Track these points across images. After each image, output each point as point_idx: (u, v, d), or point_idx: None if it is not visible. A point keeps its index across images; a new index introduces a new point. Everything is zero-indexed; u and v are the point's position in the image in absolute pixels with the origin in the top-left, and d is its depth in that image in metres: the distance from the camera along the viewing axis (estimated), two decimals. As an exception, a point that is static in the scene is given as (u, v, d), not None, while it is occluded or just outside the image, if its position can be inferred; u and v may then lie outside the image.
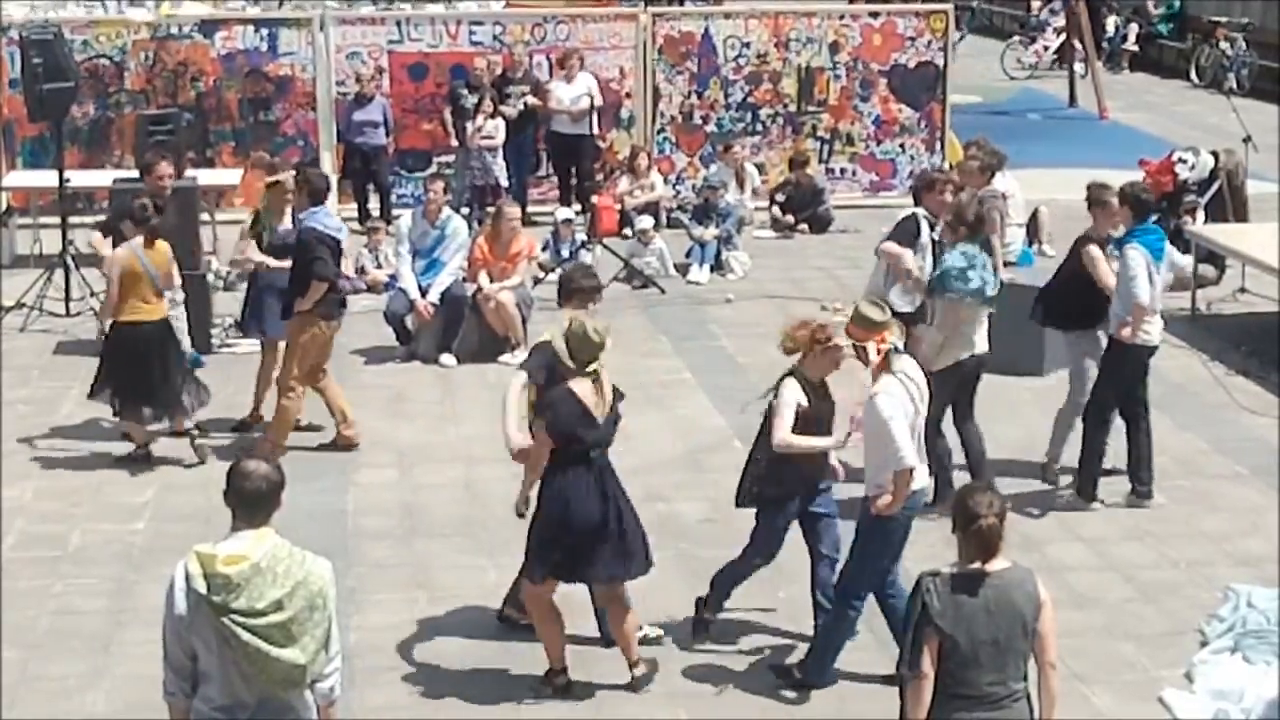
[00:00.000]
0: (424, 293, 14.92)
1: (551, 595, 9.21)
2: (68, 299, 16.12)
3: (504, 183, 19.45)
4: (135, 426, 12.59)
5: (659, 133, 20.90)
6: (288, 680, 6.49)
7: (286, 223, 13.17)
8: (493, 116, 19.36)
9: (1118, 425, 11.88)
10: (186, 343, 13.39)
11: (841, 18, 21.24)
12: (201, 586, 6.40)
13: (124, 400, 12.44)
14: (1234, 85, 28.34)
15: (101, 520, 11.66)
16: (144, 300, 12.33)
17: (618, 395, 9.11)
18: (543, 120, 20.20)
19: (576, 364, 8.95)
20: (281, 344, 12.92)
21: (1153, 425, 12.01)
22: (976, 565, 6.74)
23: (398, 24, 20.69)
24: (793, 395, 9.24)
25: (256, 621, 6.38)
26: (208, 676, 6.50)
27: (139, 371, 12.31)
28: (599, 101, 19.83)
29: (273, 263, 13.11)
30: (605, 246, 17.65)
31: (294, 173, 13.36)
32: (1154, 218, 12.03)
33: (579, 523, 8.90)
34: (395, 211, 18.61)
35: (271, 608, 6.40)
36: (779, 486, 9.47)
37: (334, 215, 12.97)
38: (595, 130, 19.98)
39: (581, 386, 8.92)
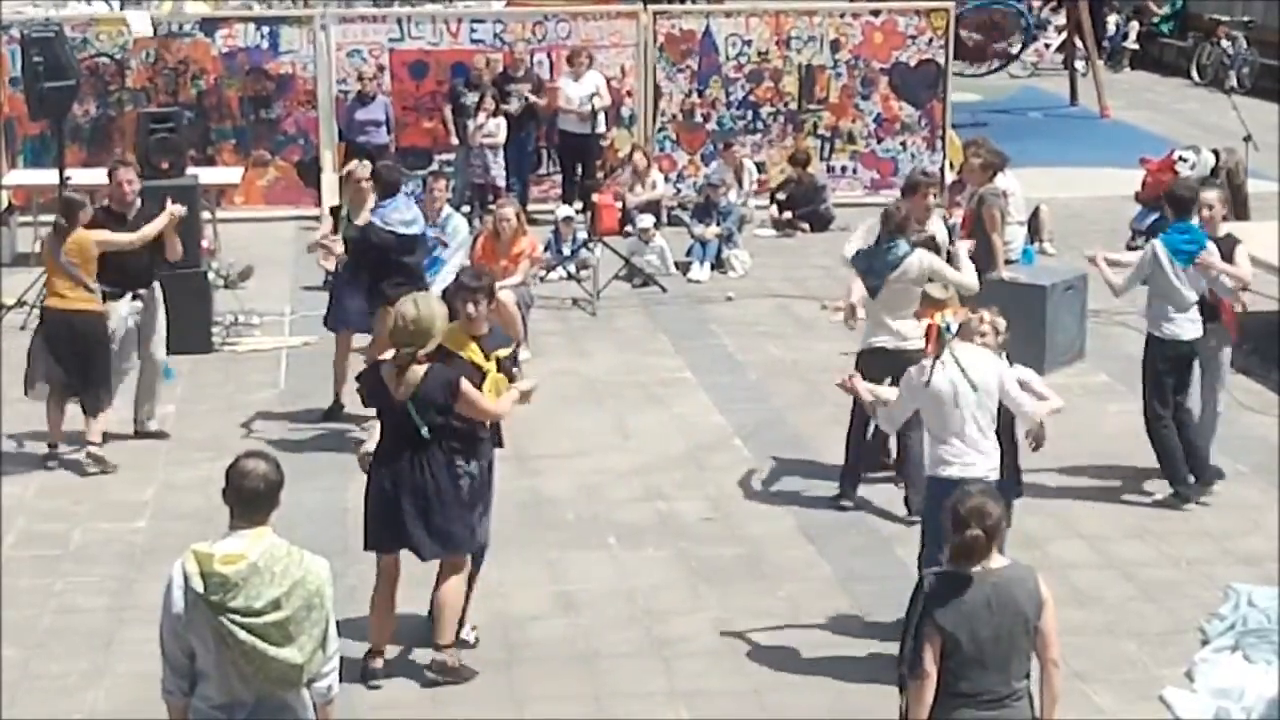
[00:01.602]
0: (425, 290, 14.90)
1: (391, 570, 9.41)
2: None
3: (502, 182, 19.45)
4: (54, 420, 12.64)
5: (660, 131, 20.90)
6: (285, 679, 6.49)
7: (366, 216, 13.15)
8: (494, 115, 19.37)
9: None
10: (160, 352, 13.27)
11: (842, 15, 21.23)
12: (199, 585, 6.40)
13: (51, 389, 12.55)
14: (1235, 84, 28.32)
15: (102, 519, 11.66)
16: (59, 293, 12.45)
17: (443, 382, 9.08)
18: (544, 119, 20.23)
19: (395, 346, 9.14)
20: (355, 337, 13.30)
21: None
22: (978, 566, 6.74)
23: (399, 22, 20.71)
24: None
25: (254, 620, 6.37)
26: (205, 675, 6.50)
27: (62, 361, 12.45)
28: (606, 101, 19.83)
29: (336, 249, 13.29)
30: (606, 245, 17.65)
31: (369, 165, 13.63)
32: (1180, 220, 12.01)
33: (375, 494, 9.24)
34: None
35: (269, 607, 6.40)
36: None
37: (405, 209, 13.01)
38: (603, 129, 19.99)
39: (388, 369, 9.13)
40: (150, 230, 12.70)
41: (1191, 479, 11.83)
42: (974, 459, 9.16)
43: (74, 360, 12.43)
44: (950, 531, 6.77)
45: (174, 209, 12.77)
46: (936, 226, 12.60)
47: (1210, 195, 12.10)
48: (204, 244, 16.75)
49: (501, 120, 19.43)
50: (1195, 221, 11.78)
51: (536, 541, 10.98)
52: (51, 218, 13.10)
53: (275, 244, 19.00)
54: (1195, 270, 11.60)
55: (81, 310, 12.42)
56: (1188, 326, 11.70)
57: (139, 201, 12.97)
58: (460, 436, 9.19)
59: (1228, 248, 11.85)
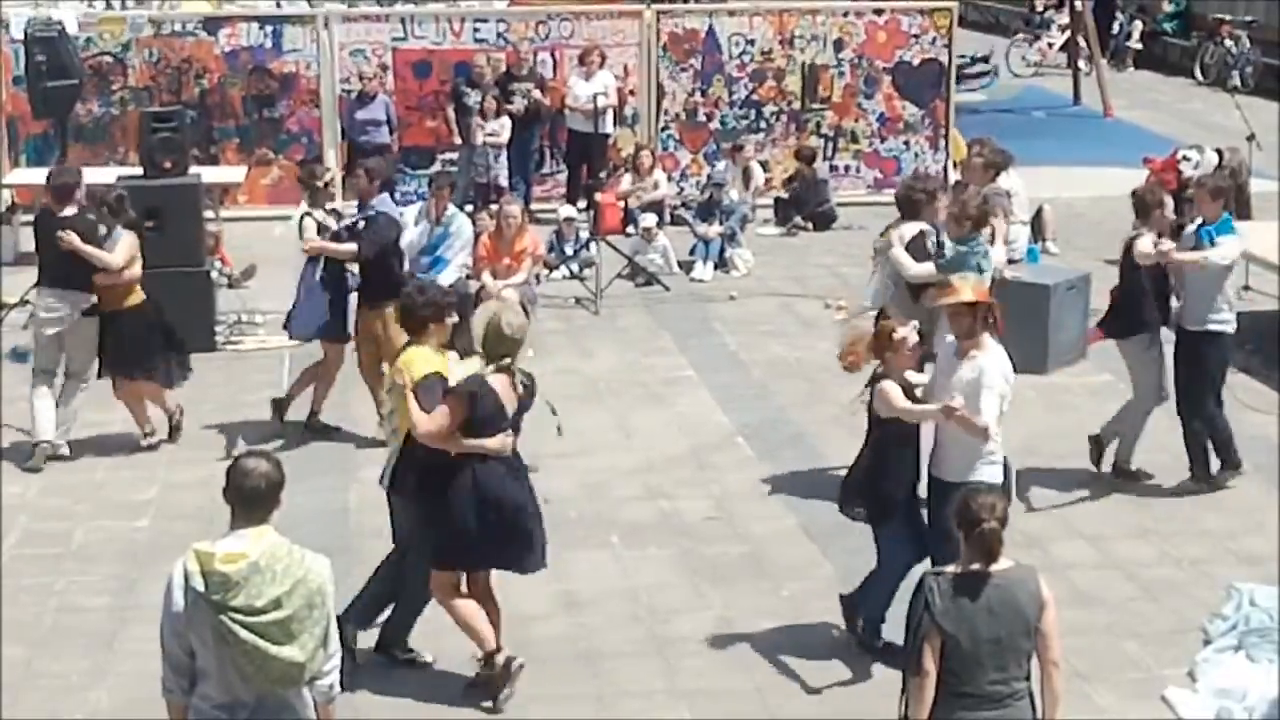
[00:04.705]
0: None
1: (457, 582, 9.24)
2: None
3: (505, 182, 19.45)
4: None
5: (663, 130, 20.90)
6: (286, 678, 6.49)
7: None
8: (498, 115, 19.38)
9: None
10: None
11: (846, 14, 21.21)
12: (200, 584, 6.40)
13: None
14: (1238, 83, 28.30)
15: (104, 517, 11.67)
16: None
17: (529, 389, 9.12)
18: (547, 117, 20.23)
19: (491, 359, 8.97)
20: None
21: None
22: (978, 566, 6.74)
23: (402, 21, 20.69)
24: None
25: (255, 619, 6.38)
26: (206, 674, 6.51)
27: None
28: (612, 100, 19.81)
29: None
30: (609, 244, 17.64)
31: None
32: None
33: (495, 509, 8.96)
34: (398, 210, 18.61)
35: (270, 606, 6.40)
36: None
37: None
38: (610, 129, 19.98)
39: (497, 381, 8.95)
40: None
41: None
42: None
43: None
44: (961, 532, 6.77)
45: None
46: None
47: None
48: (213, 245, 16.78)
49: (505, 120, 19.43)
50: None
51: (539, 541, 10.95)
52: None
53: (278, 243, 18.94)
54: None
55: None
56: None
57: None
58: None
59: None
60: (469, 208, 18.40)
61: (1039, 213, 18.49)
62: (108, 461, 12.68)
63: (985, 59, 29.33)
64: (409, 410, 8.99)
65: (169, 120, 15.89)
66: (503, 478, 8.98)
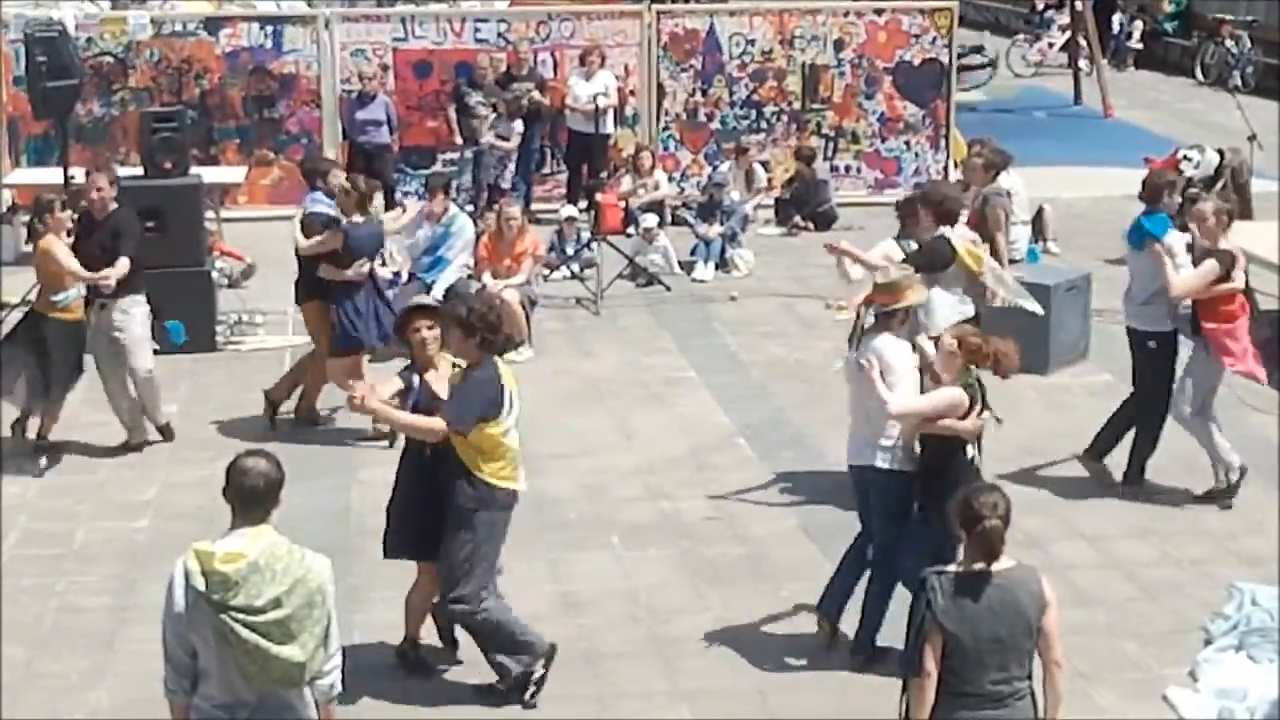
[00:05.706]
0: (429, 289, 14.92)
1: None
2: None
3: (505, 184, 19.44)
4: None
5: (663, 130, 20.90)
6: (286, 678, 6.48)
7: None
8: (512, 119, 19.39)
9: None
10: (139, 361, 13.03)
11: (846, 14, 21.22)
12: (200, 584, 6.40)
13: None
14: (1239, 83, 28.31)
15: (105, 518, 11.67)
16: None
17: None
18: (548, 117, 20.24)
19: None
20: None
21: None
22: (980, 565, 6.74)
23: (402, 21, 20.70)
24: None
25: (255, 619, 6.38)
26: (207, 674, 6.50)
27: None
28: (613, 100, 19.80)
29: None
30: (610, 244, 17.64)
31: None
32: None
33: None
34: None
35: (270, 605, 6.40)
36: None
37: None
38: (611, 129, 19.98)
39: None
40: (85, 275, 12.41)
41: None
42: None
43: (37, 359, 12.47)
44: (963, 530, 6.77)
45: (105, 283, 12.46)
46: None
47: (1205, 207, 12.09)
48: (219, 244, 16.79)
49: (519, 125, 19.44)
50: (1193, 225, 11.94)
51: (539, 541, 10.97)
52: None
53: (279, 243, 18.91)
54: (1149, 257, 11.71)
55: (40, 313, 12.48)
56: (1133, 315, 11.96)
57: (111, 206, 12.74)
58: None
59: (1204, 258, 11.88)
60: (470, 208, 18.44)
61: (1039, 213, 18.50)
62: (108, 462, 12.68)
63: (980, 49, 29.25)
64: None
65: (169, 120, 15.87)
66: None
